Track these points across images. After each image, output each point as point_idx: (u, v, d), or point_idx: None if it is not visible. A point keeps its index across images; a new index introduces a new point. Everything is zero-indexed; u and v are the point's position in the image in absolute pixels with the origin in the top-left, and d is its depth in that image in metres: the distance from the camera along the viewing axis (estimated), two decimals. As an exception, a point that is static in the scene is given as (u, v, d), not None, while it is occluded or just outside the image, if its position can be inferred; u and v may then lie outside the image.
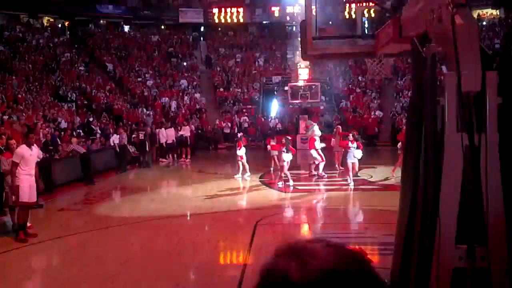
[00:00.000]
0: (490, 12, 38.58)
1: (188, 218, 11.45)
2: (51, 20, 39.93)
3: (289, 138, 15.67)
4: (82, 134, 19.96)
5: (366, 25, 25.28)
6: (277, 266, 0.97)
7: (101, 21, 41.90)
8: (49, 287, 7.08)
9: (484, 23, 36.43)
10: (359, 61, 27.33)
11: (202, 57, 38.51)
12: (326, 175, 15.98)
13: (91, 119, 24.16)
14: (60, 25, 39.70)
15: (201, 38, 41.32)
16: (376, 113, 30.02)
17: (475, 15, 36.38)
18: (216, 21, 38.63)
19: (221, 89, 34.37)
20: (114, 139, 19.46)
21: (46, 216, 11.38)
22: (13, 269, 7.57)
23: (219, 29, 41.16)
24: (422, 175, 4.27)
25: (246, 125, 30.31)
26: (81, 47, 36.13)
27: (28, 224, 9.20)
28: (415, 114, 4.56)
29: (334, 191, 14.00)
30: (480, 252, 3.80)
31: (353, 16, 24.93)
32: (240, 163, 15.97)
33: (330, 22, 29.04)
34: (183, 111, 30.38)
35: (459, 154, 3.79)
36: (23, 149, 8.97)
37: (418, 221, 4.31)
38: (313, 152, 15.70)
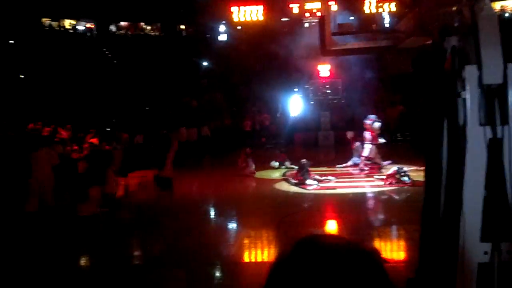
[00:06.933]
0: (513, 4, 37.84)
1: (212, 216, 11.51)
2: (73, 23, 40.48)
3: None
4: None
5: (387, 20, 25.10)
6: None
7: (122, 23, 42.32)
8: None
9: (507, 15, 35.72)
10: (380, 55, 27.09)
11: (222, 55, 38.56)
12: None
13: (114, 120, 24.50)
14: (83, 28, 40.29)
15: (220, 36, 41.39)
16: (399, 108, 29.66)
17: (497, 7, 35.71)
18: (235, 19, 38.60)
19: (241, 88, 34.44)
20: (138, 139, 19.79)
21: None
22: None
23: (239, 27, 41.14)
24: (444, 170, 4.23)
25: (267, 123, 30.28)
26: (104, 49, 36.59)
27: None
28: (436, 108, 4.51)
29: (359, 188, 13.89)
30: (505, 247, 3.75)
31: (373, 10, 24.67)
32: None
33: (351, 18, 28.89)
34: (205, 111, 30.47)
35: (482, 148, 3.75)
36: None
37: (442, 217, 4.27)
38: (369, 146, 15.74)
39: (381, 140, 16.12)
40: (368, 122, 16.24)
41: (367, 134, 15.99)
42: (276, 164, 17.70)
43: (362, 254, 1.00)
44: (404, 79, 30.89)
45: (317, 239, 1.05)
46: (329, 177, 14.85)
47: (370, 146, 15.71)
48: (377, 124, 16.01)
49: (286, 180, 15.41)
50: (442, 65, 4.28)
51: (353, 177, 15.44)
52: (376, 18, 25.15)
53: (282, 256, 1.04)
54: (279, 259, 1.04)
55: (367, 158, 15.81)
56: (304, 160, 15.05)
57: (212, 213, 12.02)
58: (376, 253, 1.02)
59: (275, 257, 1.06)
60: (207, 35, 41.60)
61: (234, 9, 37.90)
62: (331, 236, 1.07)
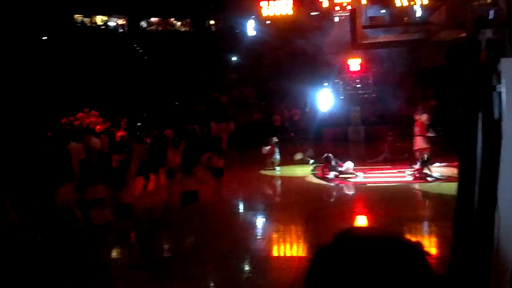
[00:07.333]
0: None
1: (240, 210, 11.55)
2: (105, 19, 41.11)
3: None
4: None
5: (419, 13, 24.68)
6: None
7: (152, 19, 42.78)
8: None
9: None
10: (411, 49, 26.66)
11: (251, 50, 38.59)
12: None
13: (145, 115, 24.84)
14: (114, 24, 40.89)
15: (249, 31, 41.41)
16: (431, 103, 29.13)
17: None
18: (265, 14, 38.49)
19: (270, 83, 34.41)
20: (168, 133, 20.01)
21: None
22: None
23: (268, 22, 41.05)
24: (479, 165, 4.14)
25: (297, 118, 30.17)
26: (134, 45, 37.10)
27: None
28: (470, 102, 4.42)
29: (389, 183, 13.73)
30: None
31: (405, 3, 24.28)
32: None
33: (382, 11, 28.45)
34: (234, 106, 30.59)
35: (518, 142, 3.66)
36: None
37: (476, 213, 4.19)
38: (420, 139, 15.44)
39: (430, 133, 15.72)
40: (416, 114, 16.11)
41: (416, 127, 15.81)
42: (300, 156, 17.89)
43: (405, 246, 0.98)
44: (437, 73, 30.39)
45: (358, 231, 1.04)
46: (357, 173, 14.66)
47: (420, 138, 15.46)
48: (424, 116, 15.81)
49: (315, 175, 15.35)
50: (477, 58, 4.19)
51: (383, 172, 15.27)
52: (407, 11, 24.74)
53: (323, 248, 1.01)
54: (320, 251, 1.02)
55: (420, 150, 15.42)
56: (330, 155, 14.97)
57: (242, 209, 12.05)
58: (419, 246, 1.01)
59: (316, 248, 1.04)
60: (236, 30, 41.70)
61: (263, 3, 37.80)
62: (372, 227, 1.05)
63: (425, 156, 14.29)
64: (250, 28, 41.80)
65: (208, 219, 10.34)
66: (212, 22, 43.54)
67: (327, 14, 36.22)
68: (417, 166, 14.02)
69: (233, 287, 6.70)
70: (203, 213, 10.82)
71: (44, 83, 25.28)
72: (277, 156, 16.95)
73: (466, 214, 4.38)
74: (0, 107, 18.84)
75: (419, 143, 15.25)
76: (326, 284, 0.95)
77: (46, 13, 32.68)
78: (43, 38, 32.83)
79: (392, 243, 0.98)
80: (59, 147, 9.75)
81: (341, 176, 14.33)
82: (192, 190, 8.77)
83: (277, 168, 16.79)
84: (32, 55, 27.53)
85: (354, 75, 27.65)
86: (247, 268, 7.56)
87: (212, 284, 7.19)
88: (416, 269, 0.95)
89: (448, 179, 12.89)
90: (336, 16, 35.43)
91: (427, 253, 1.00)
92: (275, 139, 17.28)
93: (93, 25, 40.01)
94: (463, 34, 4.83)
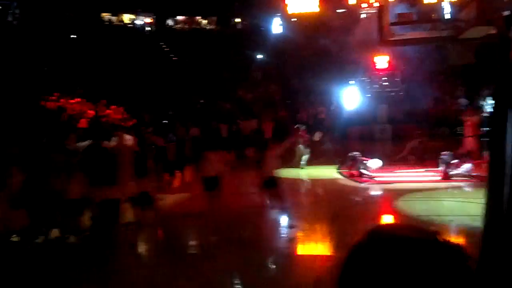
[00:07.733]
0: None
1: (266, 208, 11.54)
2: (132, 17, 41.59)
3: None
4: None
5: (447, 10, 24.28)
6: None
7: (178, 17, 43.10)
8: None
9: None
10: (440, 46, 26.21)
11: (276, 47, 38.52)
12: None
13: (170, 112, 25.04)
14: (141, 23, 41.33)
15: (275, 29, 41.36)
16: (461, 101, 28.57)
17: None
18: (290, 11, 38.35)
19: (296, 80, 34.31)
20: (194, 131, 20.14)
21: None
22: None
23: (294, 19, 40.91)
24: (509, 163, 4.06)
25: (323, 116, 29.98)
26: (160, 43, 37.39)
27: None
28: (500, 99, 4.33)
29: (416, 182, 13.55)
30: None
31: (433, 0, 23.90)
32: None
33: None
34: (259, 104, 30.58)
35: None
36: None
37: (506, 212, 4.11)
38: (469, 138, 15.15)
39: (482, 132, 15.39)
40: (466, 115, 15.90)
41: (467, 128, 15.56)
42: (319, 135, 18.72)
43: (449, 249, 0.95)
44: (466, 71, 29.84)
45: (394, 229, 1.01)
46: (372, 173, 14.34)
47: (471, 138, 15.19)
48: (475, 117, 15.57)
49: (341, 173, 15.25)
50: (507, 55, 4.11)
51: (410, 171, 15.06)
52: (436, 8, 24.37)
53: (359, 246, 0.99)
54: (355, 249, 0.99)
55: (470, 151, 15.04)
56: (355, 153, 14.80)
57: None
58: (461, 249, 0.97)
59: (351, 247, 1.01)
60: (262, 28, 41.67)
61: (289, 1, 37.60)
62: (408, 226, 1.01)
63: (448, 156, 14.04)
64: (276, 25, 41.72)
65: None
66: (237, 20, 43.61)
67: (354, 11, 35.89)
68: (441, 167, 13.78)
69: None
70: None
71: (71, 81, 25.66)
72: (301, 146, 16.67)
73: (495, 214, 4.30)
74: (26, 104, 19.14)
75: (470, 143, 14.95)
76: (361, 283, 0.93)
77: (74, 12, 33.21)
78: (72, 36, 33.36)
79: (431, 244, 0.95)
80: (95, 146, 9.80)
81: (366, 173, 14.17)
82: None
83: (303, 161, 16.63)
84: (61, 53, 28.00)
85: (381, 73, 27.35)
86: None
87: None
88: (459, 274, 0.92)
89: (477, 178, 12.68)
90: (363, 13, 35.00)
91: (470, 257, 0.97)
92: (299, 126, 16.89)
93: (120, 23, 40.52)
94: (493, 31, 4.72)
